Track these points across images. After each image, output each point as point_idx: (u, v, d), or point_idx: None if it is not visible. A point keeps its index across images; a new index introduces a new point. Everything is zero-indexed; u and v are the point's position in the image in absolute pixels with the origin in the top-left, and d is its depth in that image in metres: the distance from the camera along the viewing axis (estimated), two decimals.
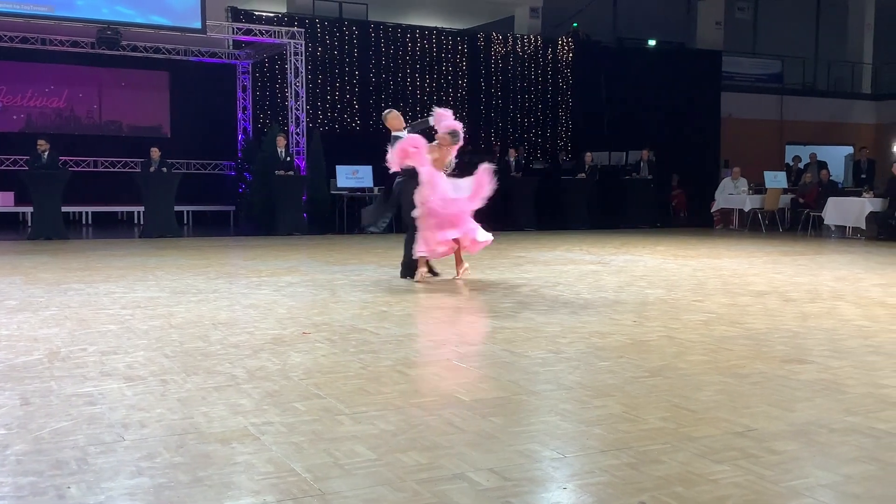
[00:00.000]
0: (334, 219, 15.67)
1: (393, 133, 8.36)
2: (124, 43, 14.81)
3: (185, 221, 17.04)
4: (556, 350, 5.02)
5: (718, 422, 3.54)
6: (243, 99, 17.10)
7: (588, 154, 17.13)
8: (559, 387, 4.14)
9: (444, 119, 8.33)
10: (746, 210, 17.26)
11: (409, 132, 8.36)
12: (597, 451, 3.16)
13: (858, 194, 16.20)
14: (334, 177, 15.65)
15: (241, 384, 4.11)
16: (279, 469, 2.91)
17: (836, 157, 21.96)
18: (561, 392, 4.04)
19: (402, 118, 8.68)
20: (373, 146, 16.88)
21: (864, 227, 15.18)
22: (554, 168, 18.64)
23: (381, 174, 15.89)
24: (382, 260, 10.30)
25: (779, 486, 2.82)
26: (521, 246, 12.64)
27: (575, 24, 20.79)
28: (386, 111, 8.72)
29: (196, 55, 16.45)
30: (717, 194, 18.14)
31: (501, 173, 16.51)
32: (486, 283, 8.24)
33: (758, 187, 17.67)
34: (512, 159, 16.90)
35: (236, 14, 16.42)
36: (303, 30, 15.60)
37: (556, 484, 2.85)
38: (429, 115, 8.61)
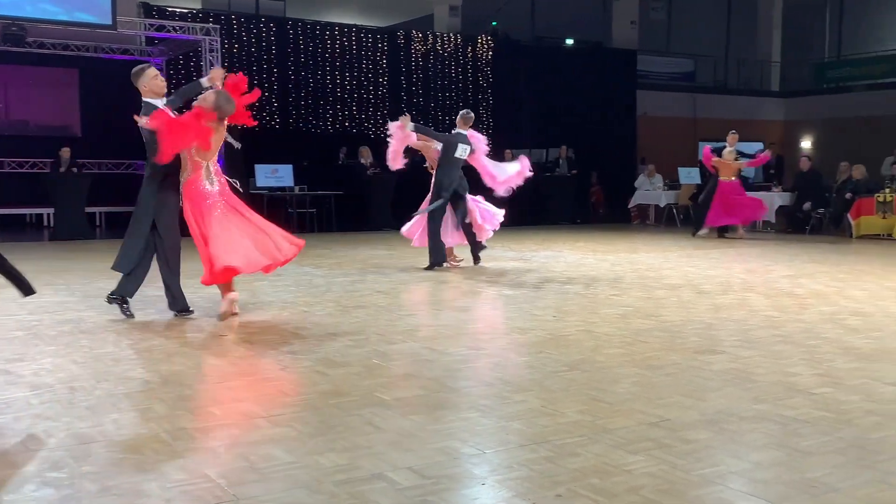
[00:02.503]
0: None
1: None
2: (30, 40, 14.27)
3: (98, 223, 16.51)
4: (477, 347, 5.04)
5: (634, 413, 3.61)
6: None
7: (507, 152, 17.24)
8: (480, 383, 4.16)
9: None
10: (662, 206, 17.69)
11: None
12: (516, 446, 3.18)
13: (768, 189, 16.76)
14: (253, 176, 15.39)
15: (154, 389, 3.99)
16: (192, 476, 2.84)
17: (747, 153, 22.67)
18: (481, 388, 4.05)
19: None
20: (293, 145, 16.74)
21: (773, 220, 15.71)
22: None
23: (301, 173, 15.77)
24: (303, 260, 10.18)
25: (691, 474, 2.88)
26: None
27: (494, 23, 20.94)
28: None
29: (107, 52, 15.96)
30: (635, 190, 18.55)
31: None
32: (406, 281, 8.23)
33: (672, 183, 18.11)
34: None
35: (148, 10, 15.99)
36: (218, 26, 15.29)
37: (474, 480, 2.85)
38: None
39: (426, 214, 9.10)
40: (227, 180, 6.17)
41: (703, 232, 14.07)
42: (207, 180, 5.94)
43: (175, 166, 5.92)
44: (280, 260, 6.04)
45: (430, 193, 9.24)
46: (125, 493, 2.70)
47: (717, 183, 13.84)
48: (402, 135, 9.17)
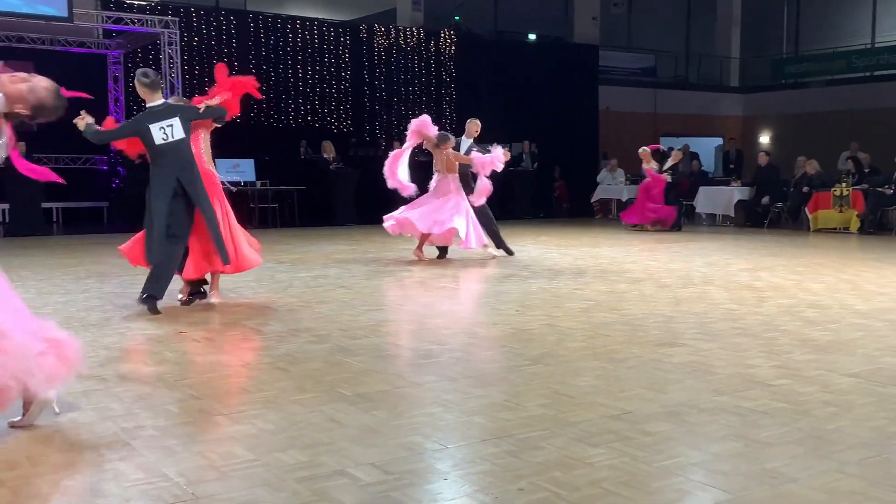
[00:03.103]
0: None
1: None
2: None
3: (55, 219, 16.22)
4: (440, 342, 5.04)
5: (596, 406, 3.63)
6: (115, 90, 16.41)
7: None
8: (442, 378, 4.15)
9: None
10: (624, 200, 17.80)
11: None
12: (478, 441, 3.18)
13: (727, 183, 16.97)
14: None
15: (112, 387, 3.93)
16: (150, 475, 2.80)
17: (707, 149, 22.93)
18: (444, 383, 4.05)
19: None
20: (254, 139, 16.57)
21: (732, 214, 15.92)
22: None
23: (263, 167, 15.63)
24: (266, 255, 10.08)
25: (651, 466, 2.90)
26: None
27: (457, 17, 20.92)
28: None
29: (63, 45, 15.67)
30: (597, 185, 18.72)
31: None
32: (369, 276, 8.19)
33: (634, 178, 18.25)
34: None
35: (106, 2, 15.71)
36: (177, 19, 15.07)
37: (437, 475, 2.85)
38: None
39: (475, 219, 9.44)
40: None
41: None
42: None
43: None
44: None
45: (458, 196, 9.44)
46: (82, 492, 2.65)
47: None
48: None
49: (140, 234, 6.18)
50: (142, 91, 6.00)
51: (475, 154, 9.62)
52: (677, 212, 14.57)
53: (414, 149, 9.81)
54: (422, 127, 9.50)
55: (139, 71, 6.05)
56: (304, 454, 3.01)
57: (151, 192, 5.94)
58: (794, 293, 6.96)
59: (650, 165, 14.41)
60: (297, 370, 4.34)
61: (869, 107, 20.35)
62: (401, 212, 9.51)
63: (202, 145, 6.54)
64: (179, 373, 4.24)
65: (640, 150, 14.55)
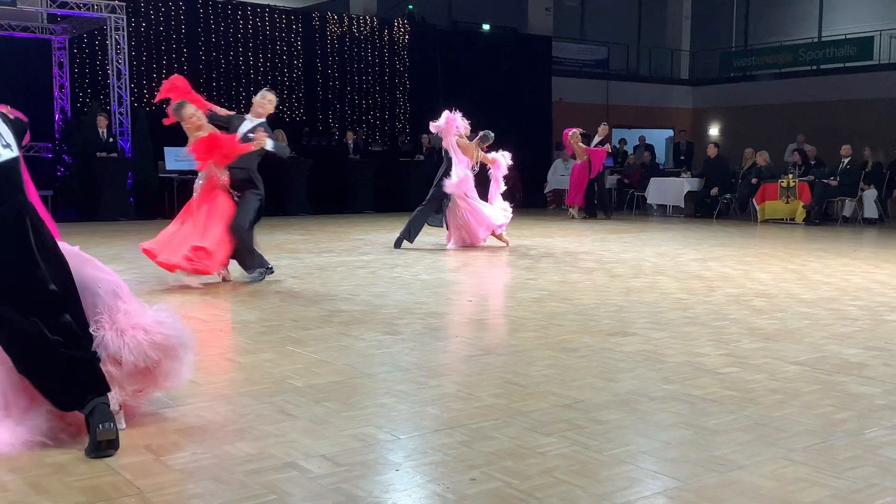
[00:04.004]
0: (163, 203, 14.99)
1: None
2: None
3: None
4: (393, 331, 5.01)
5: (548, 395, 3.64)
6: (60, 77, 16.00)
7: (424, 136, 17.22)
8: (395, 368, 4.13)
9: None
10: None
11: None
12: (430, 431, 3.17)
13: (678, 175, 17.18)
14: (163, 159, 14.96)
15: None
16: (94, 469, 2.73)
17: (658, 140, 23.17)
18: (397, 373, 4.03)
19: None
20: None
21: (682, 205, 16.13)
22: (393, 150, 18.64)
23: None
24: None
25: (603, 454, 2.92)
26: (360, 228, 12.56)
27: (410, 7, 20.81)
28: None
29: (6, 29, 15.24)
30: (550, 175, 18.81)
31: (340, 156, 16.44)
32: (322, 265, 8.12)
33: None
34: (350, 142, 16.77)
35: None
36: (124, 3, 14.75)
37: (389, 466, 2.82)
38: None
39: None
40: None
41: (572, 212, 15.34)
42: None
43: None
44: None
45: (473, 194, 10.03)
46: (24, 488, 2.57)
47: (573, 166, 15.39)
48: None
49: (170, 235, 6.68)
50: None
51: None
52: (585, 199, 15.13)
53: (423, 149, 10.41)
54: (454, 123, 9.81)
55: None
56: (252, 446, 2.96)
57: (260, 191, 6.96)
58: (742, 283, 7.07)
59: (584, 145, 14.99)
60: (246, 361, 4.28)
61: (815, 100, 20.75)
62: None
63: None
64: None
65: (572, 133, 14.95)
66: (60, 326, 2.89)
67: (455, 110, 9.90)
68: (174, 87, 6.89)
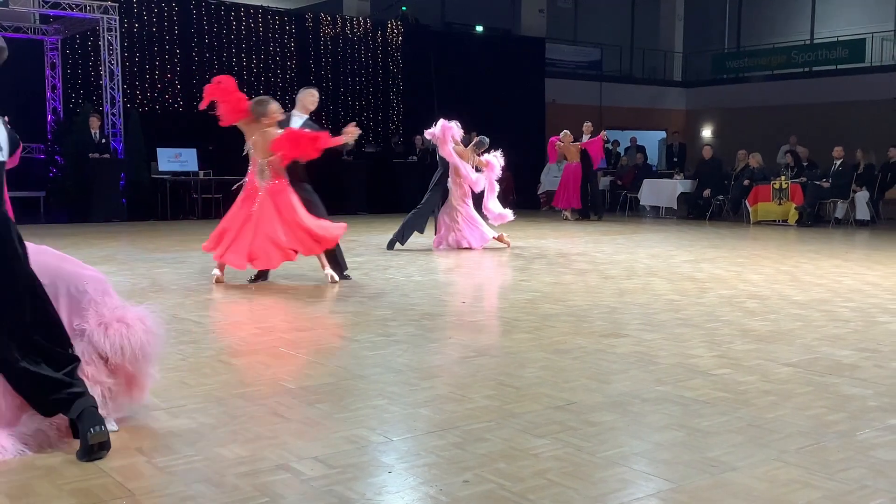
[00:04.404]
0: (156, 204, 14.96)
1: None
2: None
3: None
4: (386, 333, 5.00)
5: (541, 397, 3.64)
6: (52, 77, 15.96)
7: (418, 137, 17.22)
8: (388, 370, 4.12)
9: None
10: None
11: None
12: (423, 433, 3.16)
13: (670, 176, 17.22)
14: (155, 160, 14.93)
15: None
16: (85, 472, 2.72)
17: (651, 142, 23.21)
18: (389, 375, 4.02)
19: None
20: (196, 128, 16.27)
21: (675, 207, 16.16)
22: (386, 151, 18.63)
23: (205, 157, 15.36)
24: None
25: (595, 456, 2.92)
26: (353, 230, 12.49)
27: (404, 8, 20.81)
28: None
29: None
30: (543, 177, 18.84)
31: (333, 157, 16.40)
32: (315, 267, 8.10)
33: None
34: None
35: None
36: (117, 4, 14.72)
37: (381, 468, 2.82)
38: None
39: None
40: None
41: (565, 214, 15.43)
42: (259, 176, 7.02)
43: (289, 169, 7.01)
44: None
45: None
46: (15, 490, 2.56)
47: (564, 167, 15.50)
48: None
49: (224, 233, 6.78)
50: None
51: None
52: (581, 200, 15.17)
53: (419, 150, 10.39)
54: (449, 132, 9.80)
55: None
56: (245, 448, 2.95)
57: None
58: (734, 284, 7.09)
59: (577, 143, 15.09)
60: (238, 363, 4.27)
61: (807, 102, 20.82)
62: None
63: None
64: None
65: (562, 134, 15.11)
66: (32, 342, 2.85)
67: (451, 119, 9.85)
68: (222, 88, 6.69)
